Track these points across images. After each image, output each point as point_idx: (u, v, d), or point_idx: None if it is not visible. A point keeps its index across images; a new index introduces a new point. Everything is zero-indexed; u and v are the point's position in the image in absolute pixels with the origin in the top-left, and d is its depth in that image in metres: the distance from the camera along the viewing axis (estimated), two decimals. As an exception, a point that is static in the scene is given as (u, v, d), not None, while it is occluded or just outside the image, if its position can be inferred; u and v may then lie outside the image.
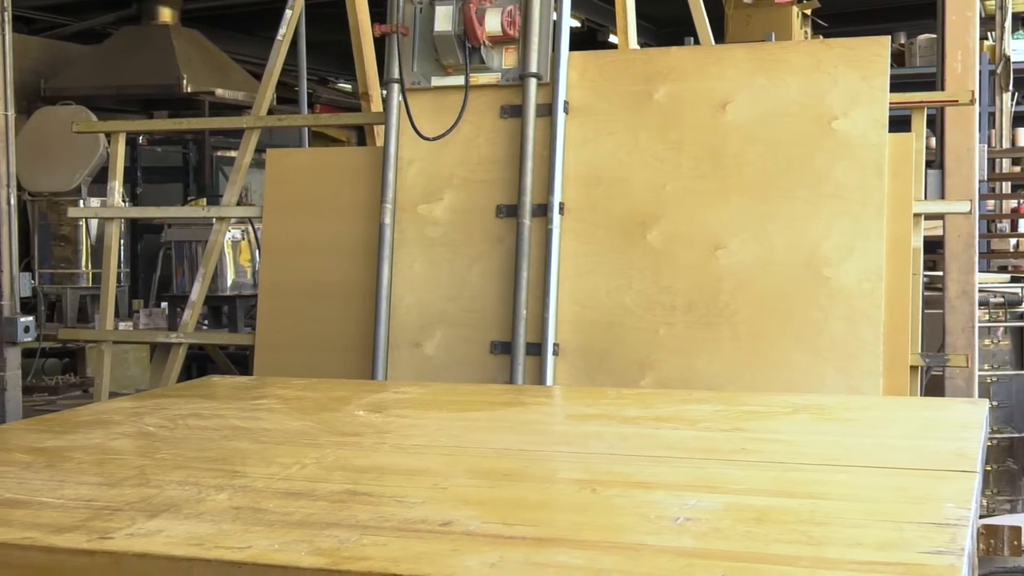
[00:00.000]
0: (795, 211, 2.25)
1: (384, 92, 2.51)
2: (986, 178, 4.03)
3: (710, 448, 1.11)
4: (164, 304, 4.13)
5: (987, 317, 3.17)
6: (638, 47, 2.51)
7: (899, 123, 2.28)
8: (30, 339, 2.83)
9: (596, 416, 1.32)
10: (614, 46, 2.83)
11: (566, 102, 2.38)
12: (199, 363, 4.01)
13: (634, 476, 1.00)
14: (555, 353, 2.37)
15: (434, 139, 2.28)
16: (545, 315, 2.36)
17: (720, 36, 3.98)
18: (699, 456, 1.09)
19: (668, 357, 2.27)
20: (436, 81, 2.40)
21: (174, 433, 1.23)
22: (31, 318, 2.83)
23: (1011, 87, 5.44)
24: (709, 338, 2.24)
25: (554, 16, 2.36)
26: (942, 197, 2.38)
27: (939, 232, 2.43)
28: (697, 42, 2.76)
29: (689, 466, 1.04)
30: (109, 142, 3.14)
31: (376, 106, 2.87)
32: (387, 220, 2.50)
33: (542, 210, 2.40)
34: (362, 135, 4.06)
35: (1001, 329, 3.21)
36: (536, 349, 2.37)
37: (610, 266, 2.35)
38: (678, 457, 1.07)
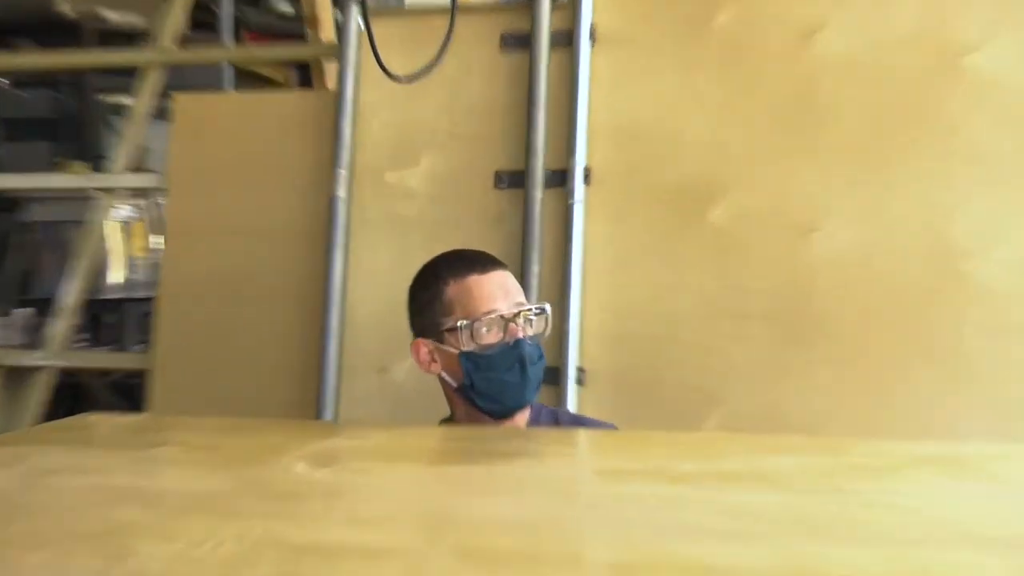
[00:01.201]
0: (916, 179, 2.20)
1: (339, 15, 2.50)
2: None
3: (800, 518, 0.95)
4: (23, 311, 3.96)
5: None
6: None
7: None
8: None
9: (638, 472, 1.27)
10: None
11: (593, 27, 2.31)
12: (72, 394, 3.94)
13: (691, 560, 0.91)
14: (579, 381, 2.32)
15: (408, 80, 2.15)
16: (564, 327, 2.29)
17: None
18: (785, 530, 0.97)
19: (741, 386, 2.22)
20: (411, -1, 2.39)
21: (34, 496, 1.17)
22: None
23: None
24: (799, 359, 2.20)
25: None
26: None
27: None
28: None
29: (770, 545, 0.91)
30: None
31: (327, 34, 2.92)
32: (341, 192, 2.46)
33: (559, 178, 2.36)
34: (306, 74, 3.80)
35: None
36: (553, 376, 2.30)
37: (656, 257, 2.30)
38: (754, 532, 0.94)
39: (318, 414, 2.38)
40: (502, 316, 1.61)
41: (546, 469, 1.28)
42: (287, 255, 2.50)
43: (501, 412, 1.66)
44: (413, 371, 2.34)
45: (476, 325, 1.61)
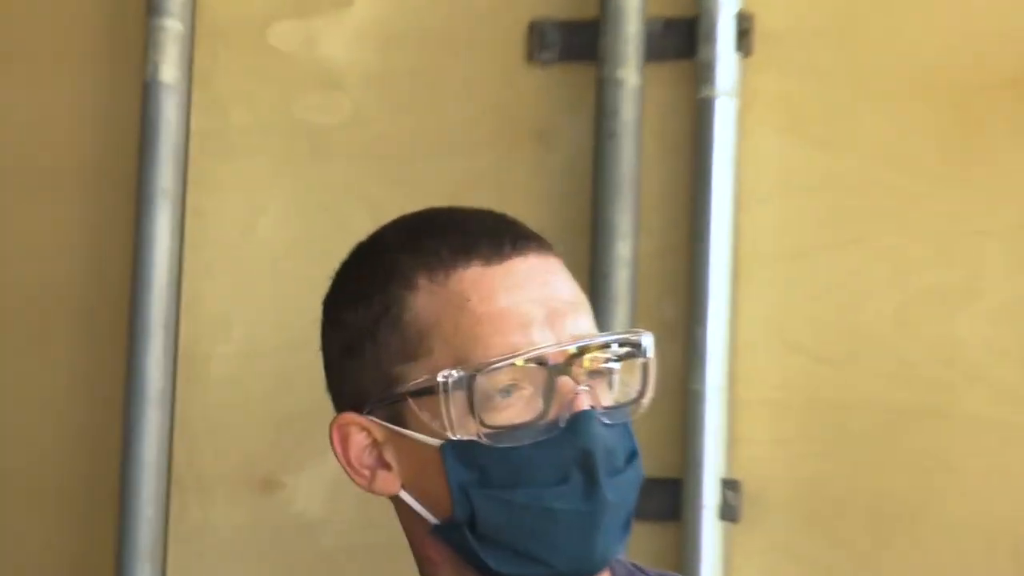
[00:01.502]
0: None
1: None
2: None
3: None
4: None
5: None
6: None
7: None
8: None
9: None
10: None
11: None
12: None
13: None
14: (727, 515, 2.10)
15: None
16: (693, 385, 2.10)
17: None
18: None
19: None
20: None
21: None
22: None
23: None
24: None
25: None
26: None
27: None
28: None
29: None
30: None
31: None
32: (166, 74, 2.20)
33: (678, 39, 2.17)
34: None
35: None
36: (665, 499, 2.14)
37: (908, 218, 2.11)
38: None
39: None
40: (541, 360, 1.38)
41: None
42: (41, 225, 2.30)
43: None
44: (342, 486, 1.97)
45: (480, 381, 1.38)
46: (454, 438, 1.39)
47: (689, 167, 2.09)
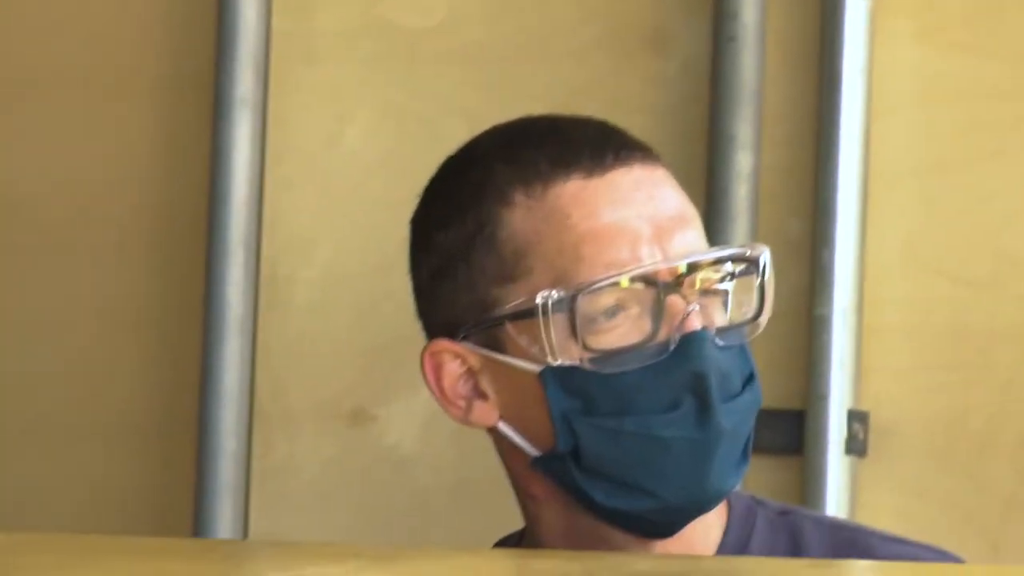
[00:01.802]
0: None
1: None
2: None
3: None
4: None
5: None
6: None
7: None
8: None
9: None
10: None
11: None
12: None
13: None
14: (854, 448, 2.28)
15: None
16: (821, 308, 2.26)
17: None
18: None
19: None
20: None
21: None
22: None
23: None
24: None
25: None
26: None
27: None
28: None
29: None
30: None
31: None
32: None
33: None
34: None
35: None
36: (787, 430, 2.31)
37: None
38: None
39: (198, 522, 2.36)
40: (649, 278, 1.55)
41: None
42: (114, 134, 2.46)
43: (652, 516, 1.58)
44: (436, 419, 2.22)
45: (583, 302, 1.53)
46: (555, 363, 1.55)
47: (816, 74, 2.22)
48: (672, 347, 1.54)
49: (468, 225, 1.62)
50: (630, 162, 1.60)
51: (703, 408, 1.55)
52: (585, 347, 1.55)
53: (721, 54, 2.23)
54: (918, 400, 2.26)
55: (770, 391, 2.07)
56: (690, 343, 1.55)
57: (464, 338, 1.61)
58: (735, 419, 1.58)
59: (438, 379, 1.63)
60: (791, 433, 2.23)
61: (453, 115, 2.35)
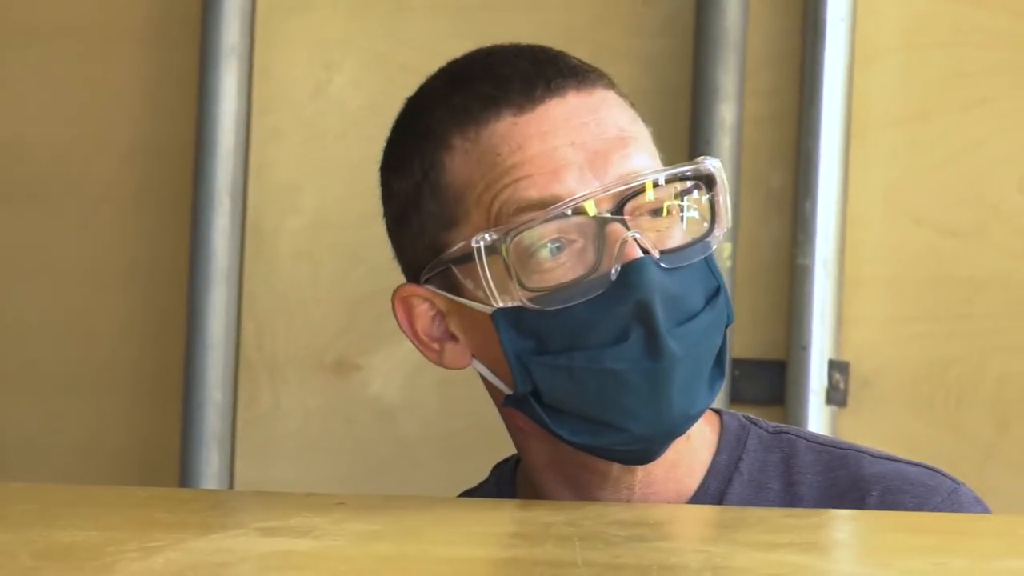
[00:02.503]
0: None
1: None
2: None
3: None
4: None
5: None
6: None
7: None
8: None
9: None
10: None
11: None
12: None
13: None
14: (835, 398, 2.31)
15: None
16: (802, 259, 2.26)
17: None
18: None
19: None
20: None
21: None
22: None
23: None
24: None
25: None
26: None
27: None
28: None
29: None
30: None
31: None
32: None
33: None
34: None
35: None
36: (769, 379, 2.33)
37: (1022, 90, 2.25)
38: None
39: (183, 472, 2.37)
40: (581, 209, 1.54)
41: None
42: (103, 86, 2.47)
43: (623, 447, 1.57)
44: (420, 369, 2.33)
45: (517, 242, 1.54)
46: (499, 305, 1.55)
47: (800, 22, 2.22)
48: (613, 277, 1.54)
49: (415, 172, 1.64)
50: (563, 91, 1.59)
51: (651, 336, 1.54)
52: (523, 287, 1.55)
53: (705, 5, 2.25)
54: (899, 350, 2.28)
55: (751, 342, 2.16)
56: (630, 271, 1.54)
57: (427, 282, 1.62)
58: (689, 342, 1.58)
59: (410, 323, 1.64)
60: (772, 383, 2.25)
61: (439, 63, 2.26)
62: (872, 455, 1.74)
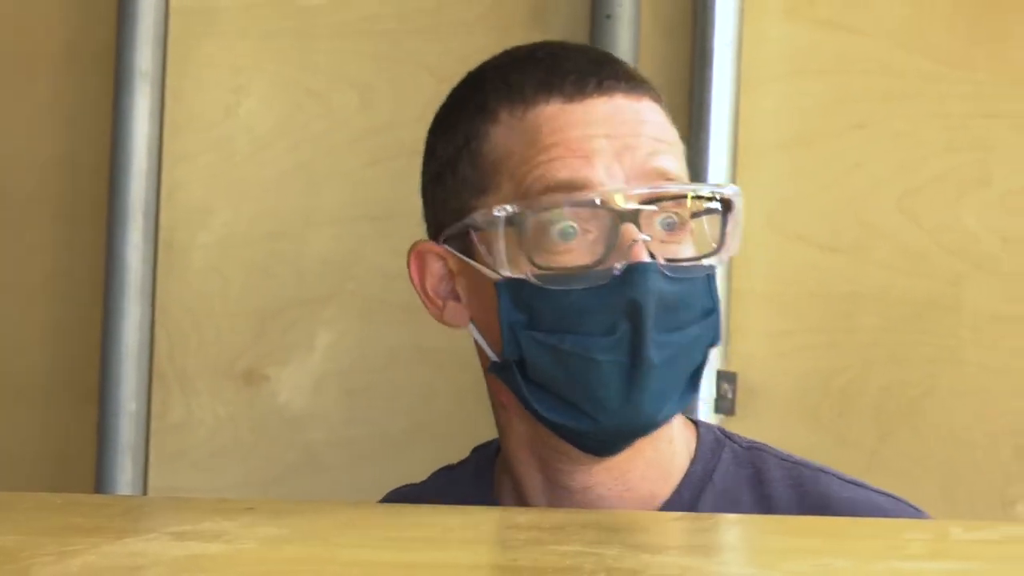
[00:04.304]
0: None
1: None
2: None
3: None
4: None
5: None
6: None
7: None
8: None
9: None
10: None
11: None
12: None
13: None
14: (723, 407, 2.32)
15: None
16: None
17: None
18: None
19: None
20: None
21: None
22: None
23: None
24: None
25: None
26: None
27: None
28: None
29: None
30: None
31: None
32: None
33: None
34: None
35: None
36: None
37: (918, 102, 2.27)
38: None
39: (99, 479, 2.34)
40: (604, 202, 1.56)
41: None
42: (20, 107, 2.43)
43: (587, 435, 1.59)
44: (327, 379, 2.36)
45: (534, 219, 1.57)
46: (507, 274, 1.58)
47: (688, 51, 2.24)
48: (616, 273, 1.55)
49: (459, 138, 1.66)
50: (612, 92, 1.62)
51: (636, 337, 1.56)
52: (532, 263, 1.57)
53: (599, 30, 2.25)
54: (784, 362, 2.29)
55: None
56: (633, 271, 1.56)
57: (445, 241, 1.65)
58: (668, 352, 1.59)
59: (421, 277, 1.67)
60: None
61: (345, 87, 2.38)
62: (841, 479, 1.78)
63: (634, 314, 1.55)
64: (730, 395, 2.27)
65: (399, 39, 2.36)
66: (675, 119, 2.15)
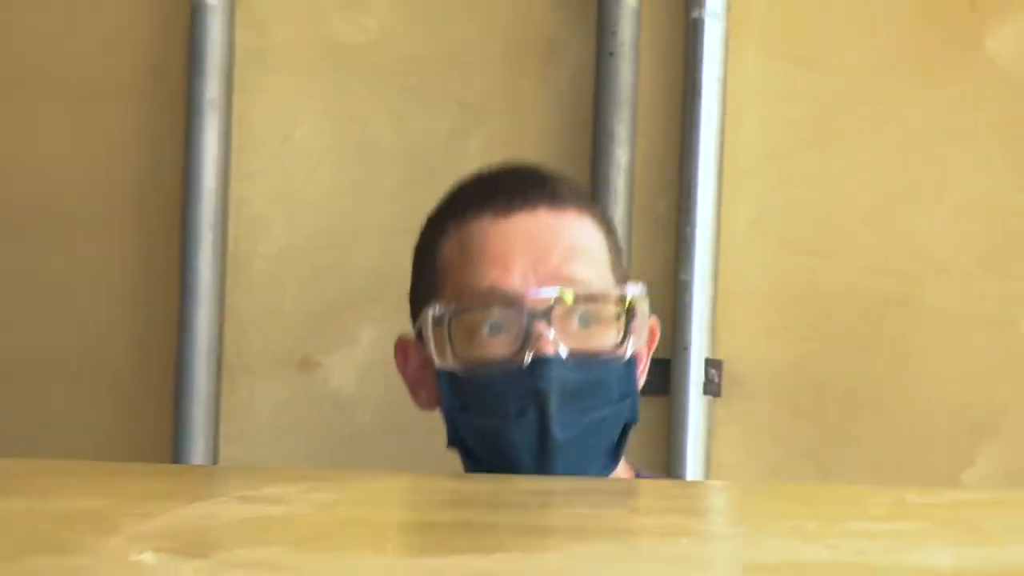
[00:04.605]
0: None
1: None
2: None
3: None
4: None
5: None
6: None
7: None
8: None
9: (831, 567, 1.08)
10: None
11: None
12: None
13: None
14: (710, 390, 2.27)
15: None
16: (682, 276, 2.25)
17: None
18: None
19: None
20: None
21: None
22: None
23: None
24: None
25: None
26: None
27: None
28: None
29: None
30: None
31: None
32: None
33: None
34: None
35: None
36: (660, 377, 2.26)
37: (874, 130, 2.25)
38: None
39: (177, 452, 2.36)
40: (514, 301, 1.60)
41: (643, 565, 1.10)
42: (101, 134, 2.43)
43: None
44: (371, 367, 2.35)
45: (458, 320, 1.62)
46: (440, 365, 1.62)
47: (681, 82, 2.25)
48: (524, 365, 1.58)
49: (422, 249, 1.71)
50: (536, 206, 1.65)
51: (541, 419, 1.58)
52: (455, 356, 1.61)
53: (603, 66, 2.26)
54: (765, 351, 2.30)
55: None
56: (537, 364, 1.58)
57: (417, 335, 1.68)
58: (574, 431, 1.61)
59: (404, 367, 1.73)
60: (661, 377, 2.26)
61: (383, 115, 2.37)
62: None
63: (539, 400, 1.57)
64: (717, 380, 2.27)
65: (429, 73, 2.36)
66: (668, 142, 2.23)
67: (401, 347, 1.73)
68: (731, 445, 2.27)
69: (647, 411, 2.19)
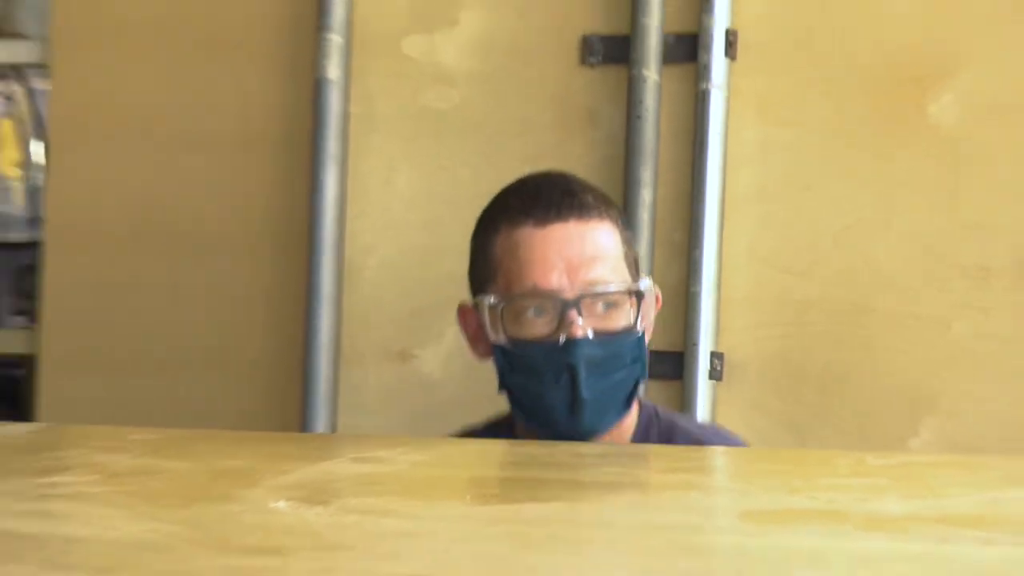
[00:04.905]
0: None
1: None
2: None
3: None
4: None
5: None
6: None
7: None
8: None
9: (809, 514, 1.10)
10: None
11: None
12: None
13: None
14: (714, 375, 2.23)
15: None
16: (694, 288, 2.21)
17: None
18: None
19: (969, 384, 2.17)
20: None
21: None
22: None
23: None
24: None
25: None
26: None
27: None
28: None
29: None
30: None
31: None
32: (331, 72, 2.31)
33: (685, 48, 2.25)
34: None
35: None
36: (673, 366, 2.24)
37: (843, 177, 2.21)
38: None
39: (304, 424, 2.33)
40: (553, 297, 1.60)
41: (662, 511, 1.16)
42: (245, 176, 2.42)
43: (553, 437, 1.63)
44: (453, 357, 2.33)
45: (508, 308, 1.61)
46: (494, 340, 1.64)
47: (692, 139, 2.23)
48: (559, 343, 1.59)
49: (478, 240, 1.69)
50: (568, 218, 1.63)
51: (572, 383, 1.59)
52: (506, 334, 1.61)
53: (632, 127, 2.24)
54: (757, 346, 2.27)
55: (662, 340, 2.19)
56: (569, 343, 1.59)
57: (475, 306, 1.67)
58: (597, 391, 1.62)
59: (466, 326, 1.71)
60: (675, 366, 2.26)
61: (463, 167, 2.36)
62: (687, 421, 1.85)
63: (571, 370, 1.58)
64: (719, 368, 2.26)
65: (496, 133, 2.35)
66: (682, 186, 2.20)
67: (462, 312, 1.72)
68: (730, 419, 2.25)
69: (666, 393, 2.28)
